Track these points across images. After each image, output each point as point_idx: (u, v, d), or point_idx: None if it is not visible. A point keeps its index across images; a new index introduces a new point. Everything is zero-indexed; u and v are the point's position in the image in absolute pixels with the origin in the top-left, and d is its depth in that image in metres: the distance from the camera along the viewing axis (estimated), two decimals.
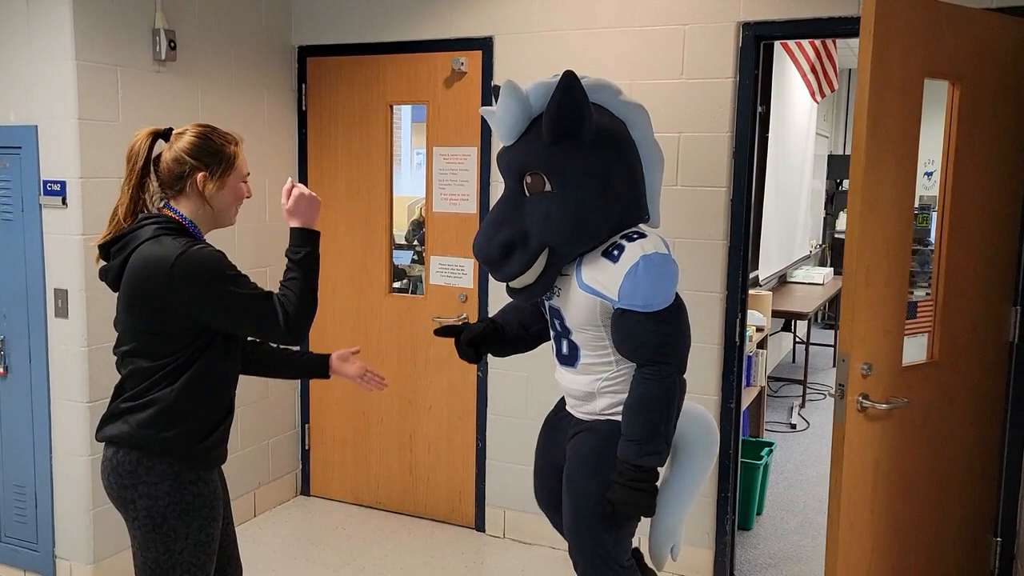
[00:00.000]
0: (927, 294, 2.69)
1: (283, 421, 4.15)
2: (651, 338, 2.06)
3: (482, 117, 2.26)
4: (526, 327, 2.45)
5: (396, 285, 4.13)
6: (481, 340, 2.42)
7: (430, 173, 3.80)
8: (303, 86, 4.03)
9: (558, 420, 2.40)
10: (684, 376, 2.15)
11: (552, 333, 2.32)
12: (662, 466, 2.12)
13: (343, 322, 4.06)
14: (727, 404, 3.34)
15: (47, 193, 3.07)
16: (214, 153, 2.02)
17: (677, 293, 2.14)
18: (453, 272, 3.79)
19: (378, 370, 2.43)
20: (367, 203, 3.96)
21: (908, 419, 2.59)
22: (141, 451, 1.95)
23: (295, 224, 2.07)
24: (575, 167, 2.07)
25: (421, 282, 4.08)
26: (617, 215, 2.14)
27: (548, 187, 2.09)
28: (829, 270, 7.47)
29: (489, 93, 3.60)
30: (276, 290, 2.01)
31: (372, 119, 3.91)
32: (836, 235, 7.24)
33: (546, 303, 2.29)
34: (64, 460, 3.19)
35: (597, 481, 2.16)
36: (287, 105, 4.01)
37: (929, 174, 4.35)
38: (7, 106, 3.13)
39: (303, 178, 4.08)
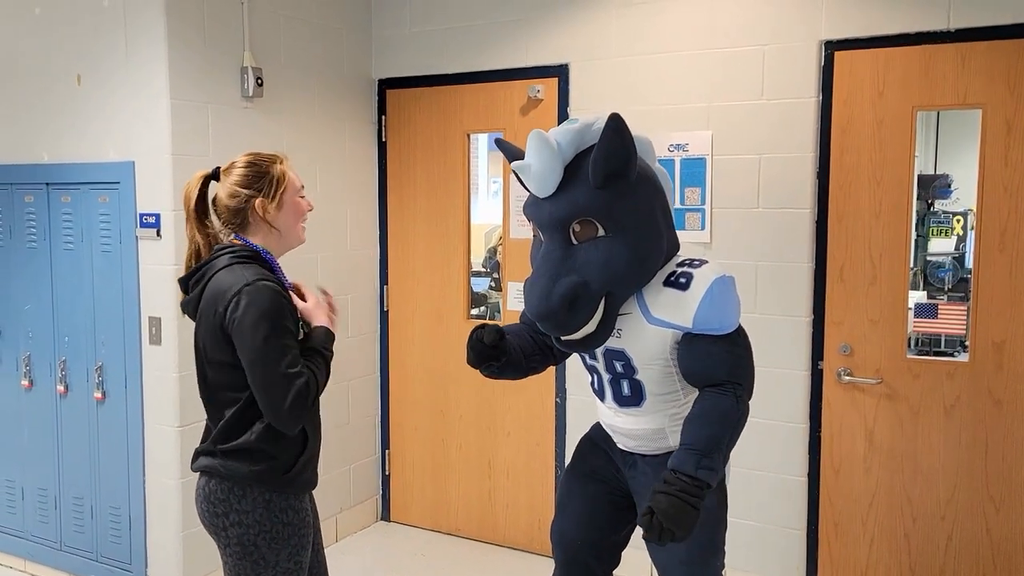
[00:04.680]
0: (949, 299, 3.38)
1: (364, 447, 4.20)
2: (725, 359, 2.01)
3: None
4: (526, 355, 2.32)
5: (474, 311, 4.15)
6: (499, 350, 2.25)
7: (507, 200, 3.83)
8: (383, 118, 4.12)
9: (607, 456, 2.33)
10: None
11: (606, 377, 2.20)
12: (713, 486, 1.95)
13: (422, 348, 4.10)
14: (815, 432, 3.23)
15: (143, 225, 3.22)
16: (263, 176, 2.05)
17: None
18: None
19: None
20: (445, 231, 4.01)
21: (924, 407, 3.06)
22: (232, 481, 1.99)
23: (325, 324, 2.11)
24: (626, 208, 2.02)
25: (499, 309, 4.09)
26: (665, 248, 2.11)
27: (601, 232, 2.00)
28: (922, 294, 7.16)
29: (565, 120, 3.60)
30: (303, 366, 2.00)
31: (449, 148, 3.96)
32: (928, 257, 6.94)
33: (594, 350, 2.18)
34: (156, 483, 3.30)
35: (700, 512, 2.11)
36: (367, 137, 4.11)
37: (946, 192, 4.45)
38: (108, 144, 3.29)
39: (382, 207, 4.16)
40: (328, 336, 2.11)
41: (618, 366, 2.15)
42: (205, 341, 2.01)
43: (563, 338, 2.08)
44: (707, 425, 1.97)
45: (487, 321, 2.44)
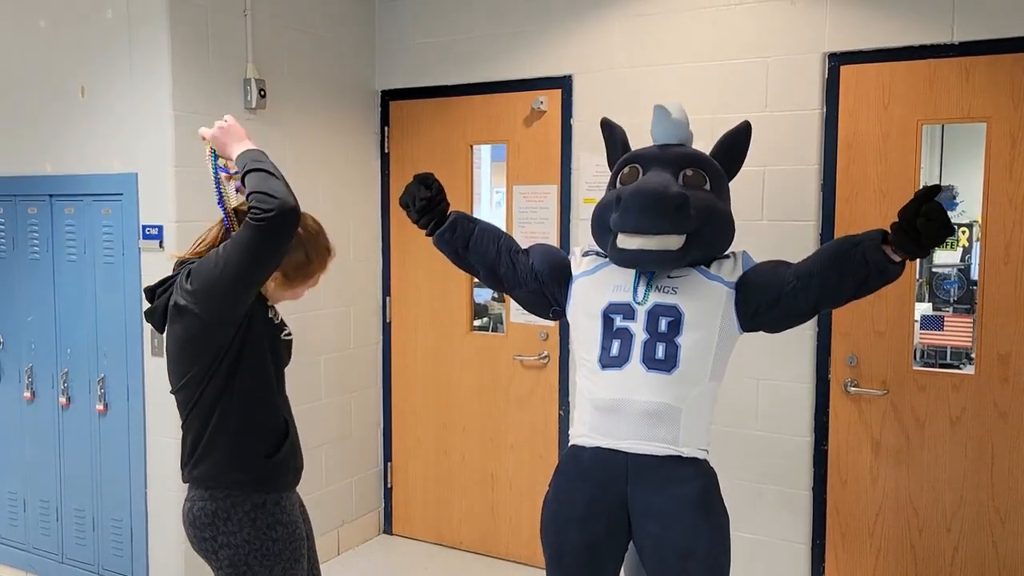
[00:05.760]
0: (955, 311, 3.37)
1: (366, 459, 4.18)
2: (772, 263, 2.22)
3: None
4: (500, 249, 2.39)
5: (476, 323, 4.14)
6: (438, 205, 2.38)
7: (510, 211, 3.82)
8: (385, 129, 4.12)
9: (596, 484, 2.18)
10: None
11: (641, 338, 2.13)
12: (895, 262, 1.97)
13: (424, 360, 4.09)
14: (820, 446, 3.21)
15: (145, 237, 3.21)
16: (296, 263, 2.02)
17: None
18: None
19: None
20: None
21: (930, 418, 3.06)
22: (218, 501, 1.96)
23: (239, 149, 1.93)
24: (726, 189, 2.30)
25: (502, 320, 4.08)
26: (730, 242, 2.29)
27: (708, 186, 2.21)
28: (927, 306, 7.13)
29: (569, 131, 3.61)
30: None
31: (453, 159, 3.96)
32: (934, 269, 6.91)
33: (633, 307, 2.16)
34: (158, 495, 3.29)
35: (709, 527, 2.07)
36: (370, 147, 4.11)
37: (951, 205, 4.50)
38: (111, 155, 3.30)
39: (385, 219, 4.16)
40: (255, 152, 1.92)
41: (663, 324, 2.13)
42: (167, 344, 1.98)
43: (638, 247, 2.12)
44: (830, 244, 2.11)
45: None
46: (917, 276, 3.21)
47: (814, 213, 3.16)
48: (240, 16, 3.37)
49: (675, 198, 2.08)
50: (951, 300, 3.98)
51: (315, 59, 3.76)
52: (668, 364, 2.11)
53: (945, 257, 4.40)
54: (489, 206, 6.15)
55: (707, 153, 2.33)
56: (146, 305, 3.25)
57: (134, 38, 3.19)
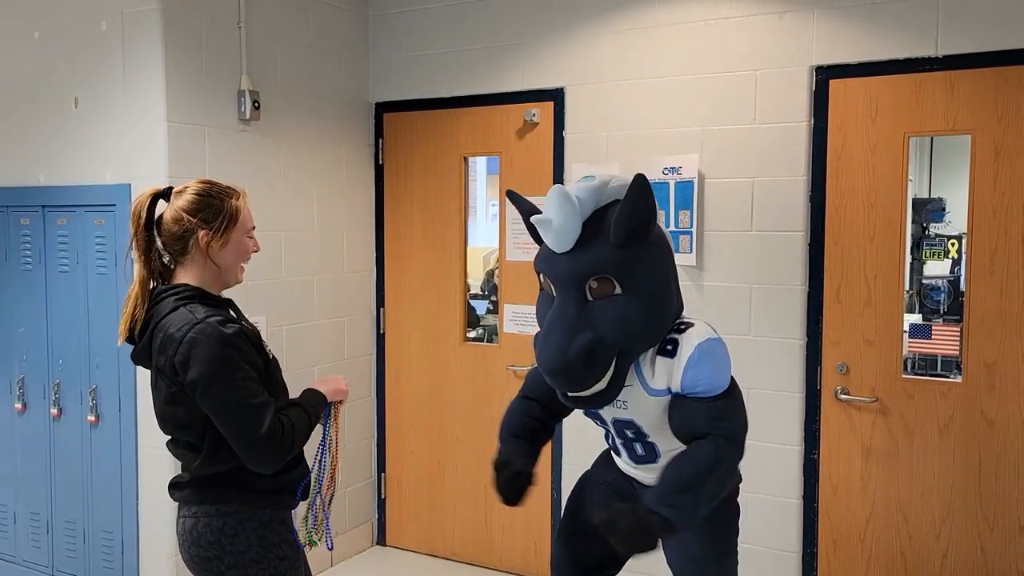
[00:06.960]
0: (944, 320, 3.40)
1: (360, 470, 4.18)
2: (706, 412, 2.01)
3: (529, 222, 2.16)
4: (544, 425, 2.38)
5: (471, 334, 4.15)
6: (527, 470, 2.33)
7: (503, 222, 3.84)
8: (380, 141, 4.15)
9: (617, 486, 2.36)
10: (739, 460, 2.04)
11: (619, 440, 2.25)
12: (673, 528, 1.93)
13: (418, 370, 4.10)
14: (810, 455, 3.23)
15: None
16: (214, 209, 1.94)
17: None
18: (526, 320, 3.79)
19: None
20: (442, 253, 4.02)
21: (918, 426, 3.09)
22: (226, 517, 1.91)
23: (322, 390, 2.11)
24: (643, 267, 2.03)
25: (495, 331, 4.10)
26: (676, 308, 2.13)
27: (618, 290, 2.00)
28: (917, 316, 7.17)
29: (561, 143, 3.64)
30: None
31: (447, 171, 3.98)
32: (924, 280, 6.96)
33: (601, 416, 2.22)
34: (149, 507, 3.28)
35: (708, 530, 2.16)
36: (364, 160, 4.13)
37: (939, 216, 4.54)
38: (104, 167, 3.31)
39: (379, 230, 4.17)
40: (318, 398, 2.08)
41: (629, 432, 2.19)
42: (155, 389, 1.94)
43: (571, 394, 2.06)
44: (677, 468, 2.00)
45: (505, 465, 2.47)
46: (907, 287, 3.24)
47: (802, 223, 3.19)
48: (234, 28, 3.40)
49: (576, 363, 1.95)
50: (940, 310, 4.02)
51: (309, 71, 3.78)
52: (650, 457, 2.21)
53: (935, 268, 4.44)
54: (485, 218, 6.17)
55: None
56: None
57: (128, 49, 3.21)
